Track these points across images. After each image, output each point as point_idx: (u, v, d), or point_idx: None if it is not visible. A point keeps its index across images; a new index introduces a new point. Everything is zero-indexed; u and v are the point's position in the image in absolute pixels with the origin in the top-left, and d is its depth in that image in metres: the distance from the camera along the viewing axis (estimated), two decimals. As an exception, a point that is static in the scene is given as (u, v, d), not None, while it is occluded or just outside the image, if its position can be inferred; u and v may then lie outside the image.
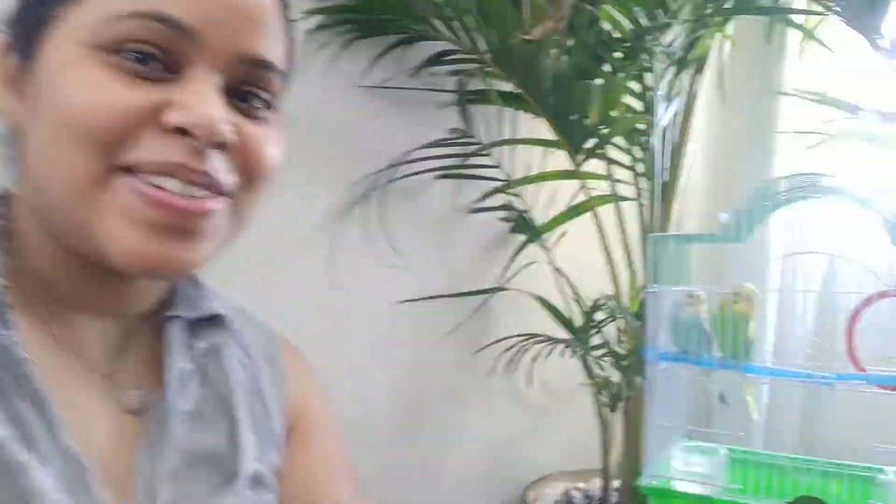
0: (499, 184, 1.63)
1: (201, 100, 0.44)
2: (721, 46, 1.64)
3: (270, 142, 0.49)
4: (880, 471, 1.04)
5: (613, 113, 1.44)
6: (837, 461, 1.13)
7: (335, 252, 1.42)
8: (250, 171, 0.48)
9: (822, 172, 1.14)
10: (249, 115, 0.48)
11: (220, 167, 0.45)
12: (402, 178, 1.49)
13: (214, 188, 0.45)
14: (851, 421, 1.22)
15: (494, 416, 1.70)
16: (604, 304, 1.57)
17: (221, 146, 0.45)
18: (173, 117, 0.43)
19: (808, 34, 1.47)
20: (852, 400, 1.16)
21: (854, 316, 1.12)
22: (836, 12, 1.16)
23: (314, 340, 0.72)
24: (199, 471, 0.50)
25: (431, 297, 1.54)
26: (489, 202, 1.64)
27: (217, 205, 0.46)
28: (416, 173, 1.51)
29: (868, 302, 1.11)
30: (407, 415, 1.57)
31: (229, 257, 0.51)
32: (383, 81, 1.46)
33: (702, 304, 1.21)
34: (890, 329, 1.10)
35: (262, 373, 0.59)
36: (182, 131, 0.43)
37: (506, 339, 1.60)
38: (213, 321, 0.57)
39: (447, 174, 1.56)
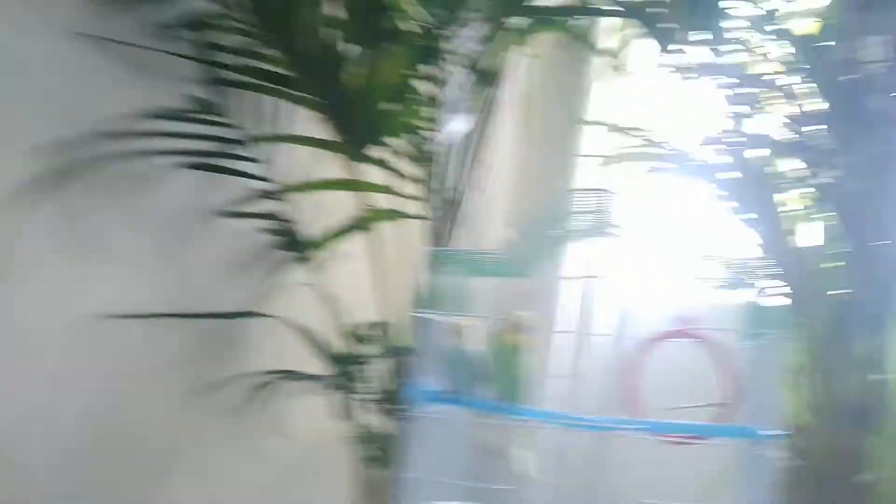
0: (263, 186, 1.35)
1: None
2: (524, 65, 1.52)
3: None
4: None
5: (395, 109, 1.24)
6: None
7: (7, 239, 1.06)
8: None
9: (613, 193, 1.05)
10: None
11: None
12: (127, 156, 1.17)
13: None
14: (641, 475, 1.07)
15: (229, 475, 1.36)
16: (374, 336, 1.32)
17: None
18: None
19: (613, 57, 1.38)
20: (642, 452, 1.03)
21: (636, 360, 1.03)
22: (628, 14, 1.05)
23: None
24: None
25: (150, 316, 1.20)
26: (248, 207, 1.35)
27: None
28: (149, 153, 1.19)
29: (649, 345, 1.03)
30: (100, 474, 1.19)
31: None
32: (117, 34, 1.15)
33: (473, 335, 1.02)
34: (685, 375, 0.98)
35: None
36: None
37: (250, 375, 1.29)
38: None
39: (194, 163, 1.26)
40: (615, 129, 1.37)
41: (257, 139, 1.34)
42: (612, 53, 1.40)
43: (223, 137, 1.28)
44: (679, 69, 1.20)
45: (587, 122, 1.56)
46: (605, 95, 1.59)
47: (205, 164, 1.28)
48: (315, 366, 1.32)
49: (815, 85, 1.09)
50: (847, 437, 0.89)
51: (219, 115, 1.28)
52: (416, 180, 1.41)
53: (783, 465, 1.07)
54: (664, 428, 0.93)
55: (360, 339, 1.34)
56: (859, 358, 0.91)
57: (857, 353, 0.91)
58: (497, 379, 1.00)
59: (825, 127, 1.09)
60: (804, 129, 1.11)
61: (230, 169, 1.31)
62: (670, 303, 1.09)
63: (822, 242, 1.03)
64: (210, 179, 1.30)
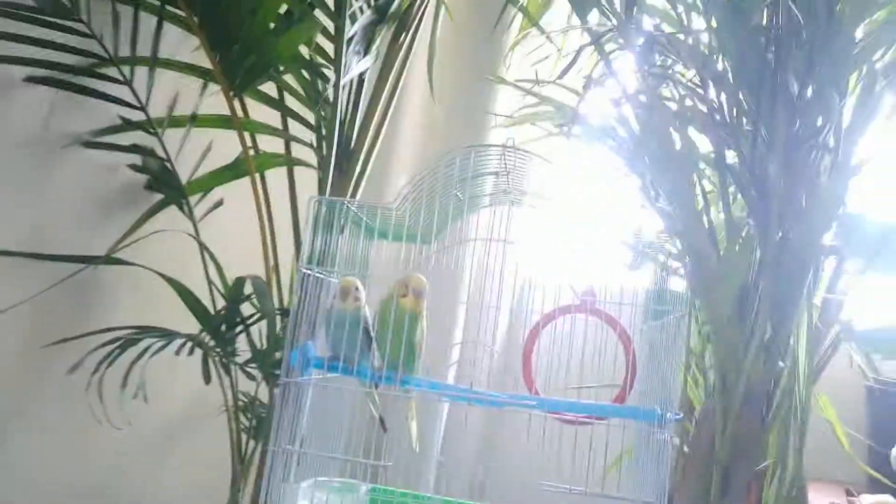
0: (134, 116, 1.19)
1: None
2: (437, 13, 1.41)
3: None
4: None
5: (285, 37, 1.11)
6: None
7: None
8: None
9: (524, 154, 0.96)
10: None
11: None
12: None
13: None
14: (536, 453, 1.01)
15: (81, 440, 1.20)
16: (255, 294, 1.19)
17: None
18: None
19: (529, 15, 1.29)
20: (538, 429, 0.98)
21: (532, 334, 0.98)
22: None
23: None
24: None
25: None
26: (115, 139, 1.18)
27: None
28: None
29: (547, 319, 0.97)
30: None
31: None
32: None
33: (363, 297, 0.92)
34: (585, 351, 0.93)
35: None
36: None
37: (111, 329, 1.13)
38: None
39: (48, 78, 1.08)
40: (527, 89, 1.29)
41: (125, 60, 1.16)
42: (530, 11, 1.31)
43: (85, 51, 1.10)
44: (594, 32, 1.12)
45: (500, 80, 1.47)
46: (519, 54, 1.51)
47: (62, 80, 1.10)
48: (187, 324, 1.18)
49: (728, 57, 1.04)
50: (744, 421, 0.87)
51: (83, 23, 1.10)
52: (309, 125, 1.28)
53: (680, 447, 1.05)
54: (561, 406, 0.87)
55: (238, 297, 1.20)
56: (761, 343, 0.89)
57: (759, 337, 0.89)
58: (386, 346, 0.91)
59: (735, 102, 1.05)
60: (714, 103, 1.07)
61: (93, 90, 1.13)
62: (574, 276, 1.04)
63: (729, 223, 1.00)
64: (70, 100, 1.12)
